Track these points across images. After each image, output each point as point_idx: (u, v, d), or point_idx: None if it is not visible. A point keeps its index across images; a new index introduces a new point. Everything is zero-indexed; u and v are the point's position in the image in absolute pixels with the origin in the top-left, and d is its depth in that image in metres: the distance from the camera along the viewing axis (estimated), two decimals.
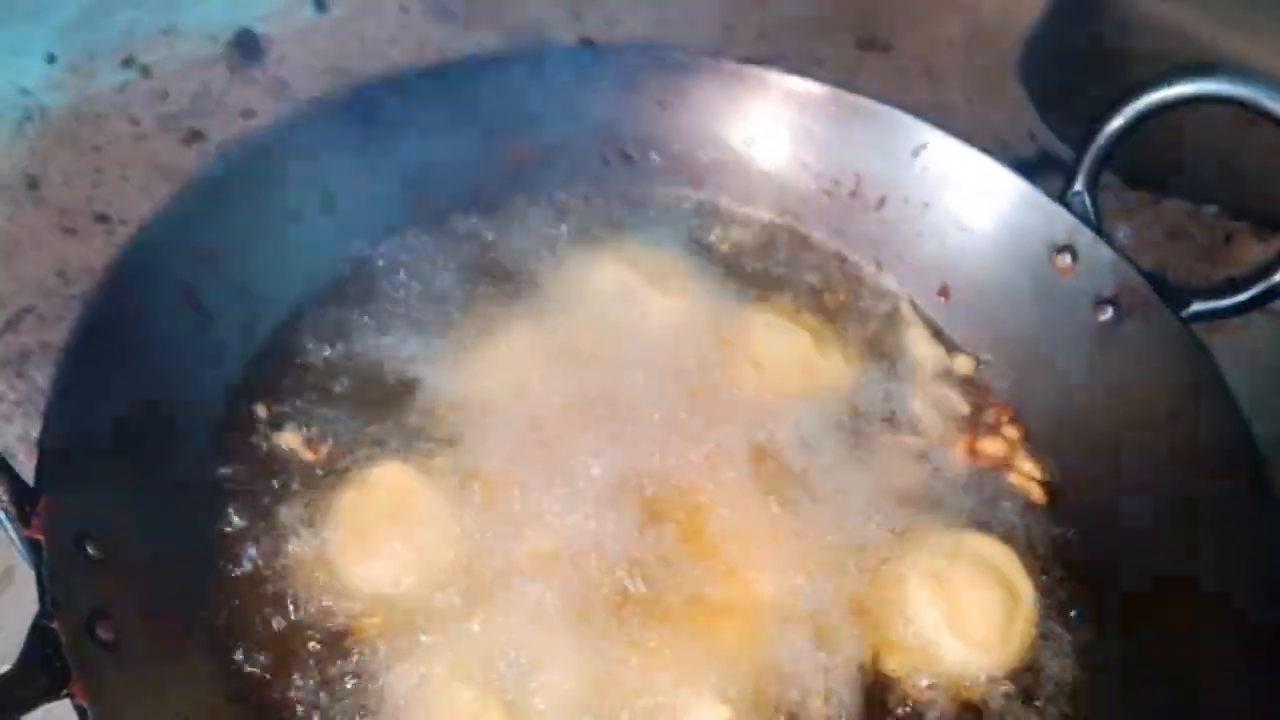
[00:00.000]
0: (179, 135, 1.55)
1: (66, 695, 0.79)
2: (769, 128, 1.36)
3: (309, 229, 1.20)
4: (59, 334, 1.27)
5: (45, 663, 0.80)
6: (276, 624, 0.97)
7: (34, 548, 0.84)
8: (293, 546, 1.01)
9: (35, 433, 1.09)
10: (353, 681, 0.95)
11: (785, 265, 1.33)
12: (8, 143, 1.49)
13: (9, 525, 0.85)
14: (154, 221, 1.07)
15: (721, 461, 1.11)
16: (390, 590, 0.99)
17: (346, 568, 0.99)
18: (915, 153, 1.30)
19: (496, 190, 1.31)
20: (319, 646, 0.96)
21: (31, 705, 0.79)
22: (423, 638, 0.97)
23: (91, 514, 0.90)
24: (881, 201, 1.33)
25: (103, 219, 1.44)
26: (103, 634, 0.85)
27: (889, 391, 1.22)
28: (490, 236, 1.29)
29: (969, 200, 1.29)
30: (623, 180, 1.36)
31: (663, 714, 0.94)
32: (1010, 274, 1.26)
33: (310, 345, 1.16)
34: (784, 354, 1.21)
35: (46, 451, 0.89)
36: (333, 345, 1.16)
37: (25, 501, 0.86)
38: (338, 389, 1.13)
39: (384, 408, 1.12)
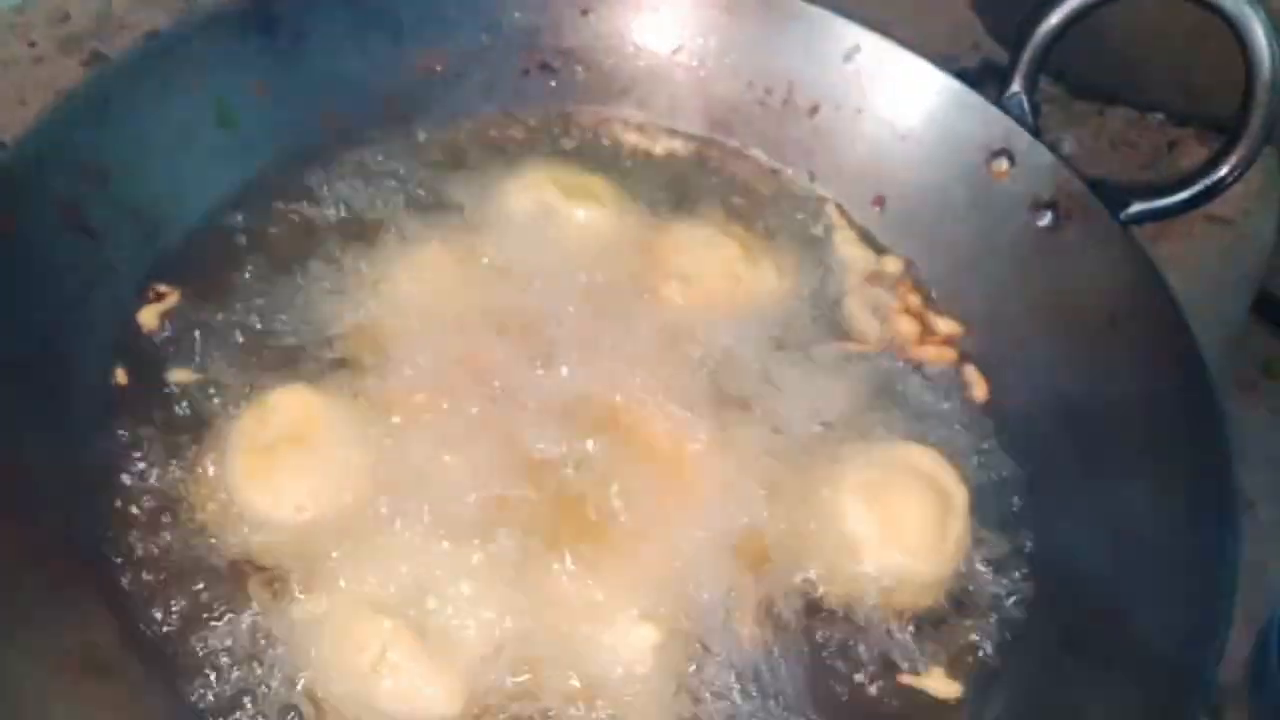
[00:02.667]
0: (79, 58, 1.47)
1: None
2: (697, 35, 1.30)
3: (205, 147, 1.13)
4: None
5: None
6: (170, 555, 0.92)
7: None
8: (190, 475, 0.96)
9: None
10: (256, 616, 0.90)
11: (714, 177, 1.28)
12: None
13: None
14: (30, 133, 1.00)
15: (649, 377, 1.07)
16: (294, 518, 0.94)
17: (247, 494, 0.94)
18: (848, 56, 1.25)
19: (408, 104, 1.24)
20: (221, 579, 0.91)
21: None
22: (330, 567, 0.92)
23: None
24: (814, 109, 1.27)
25: None
26: None
27: (822, 300, 1.18)
28: (401, 153, 1.22)
29: (903, 105, 1.24)
30: (543, 92, 1.29)
31: (587, 636, 0.90)
32: (946, 180, 1.21)
33: (210, 270, 1.09)
34: (712, 266, 1.16)
35: None
36: (234, 269, 1.10)
37: None
38: (238, 315, 1.07)
39: (288, 333, 1.06)
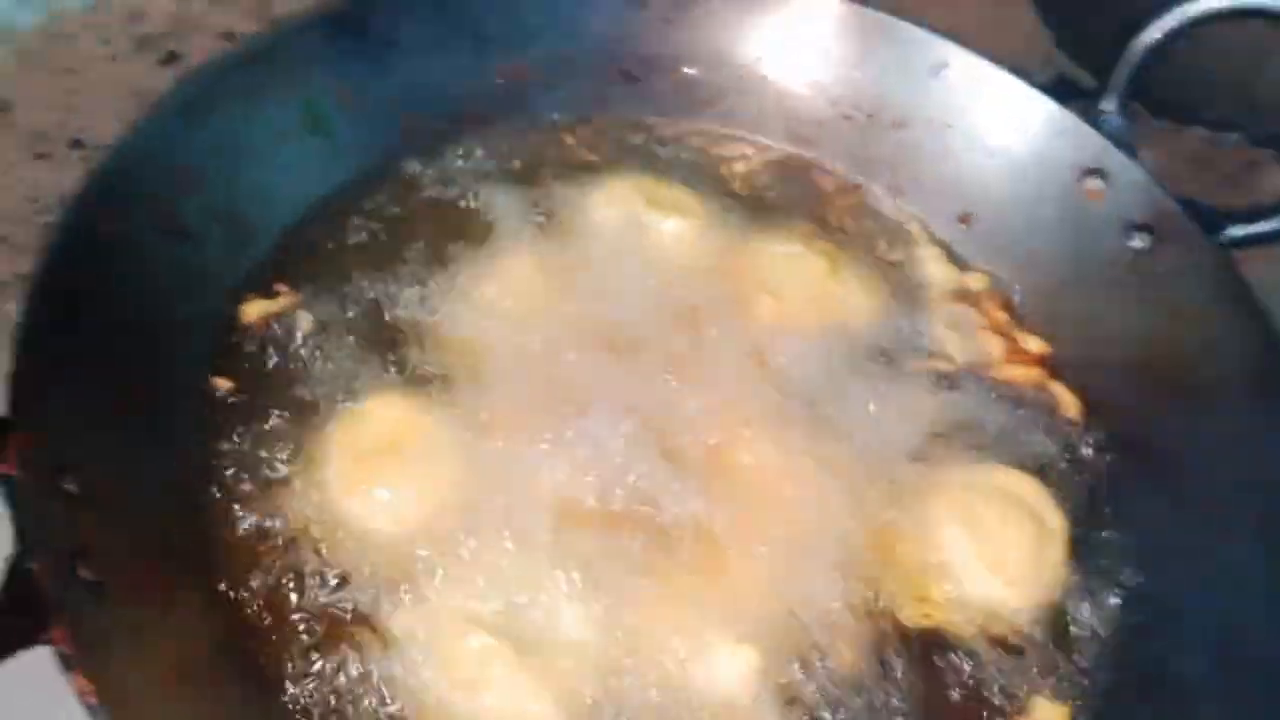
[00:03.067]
0: (155, 57, 1.47)
1: (45, 641, 0.73)
2: (782, 46, 1.29)
3: (295, 152, 1.13)
4: (32, 264, 1.20)
5: (22, 606, 0.74)
6: (271, 565, 0.91)
7: (6, 484, 0.78)
8: (286, 484, 0.95)
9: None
10: (354, 628, 0.89)
11: (798, 192, 1.26)
12: None
13: None
14: (127, 137, 1.00)
15: (738, 395, 1.06)
16: (390, 529, 0.93)
17: (343, 504, 0.94)
18: (936, 72, 1.24)
19: (491, 111, 1.24)
20: (318, 590, 0.91)
21: (9, 650, 0.73)
22: (427, 580, 0.92)
23: (69, 447, 0.84)
24: (900, 124, 1.26)
25: (77, 144, 1.36)
26: (85, 574, 0.79)
27: (910, 318, 1.16)
28: (483, 161, 1.22)
29: (993, 122, 1.22)
30: (625, 101, 1.28)
31: (684, 657, 0.89)
32: (1036, 199, 1.20)
33: (300, 275, 1.09)
34: (800, 282, 1.15)
35: (17, 378, 0.82)
36: (324, 277, 1.09)
37: None
38: (330, 323, 1.06)
39: (379, 341, 1.06)
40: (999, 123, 1.22)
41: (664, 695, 0.88)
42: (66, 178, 1.31)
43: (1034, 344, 1.16)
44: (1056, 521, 1.01)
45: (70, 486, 0.82)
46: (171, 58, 1.47)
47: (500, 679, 0.86)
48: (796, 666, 0.91)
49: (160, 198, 1.01)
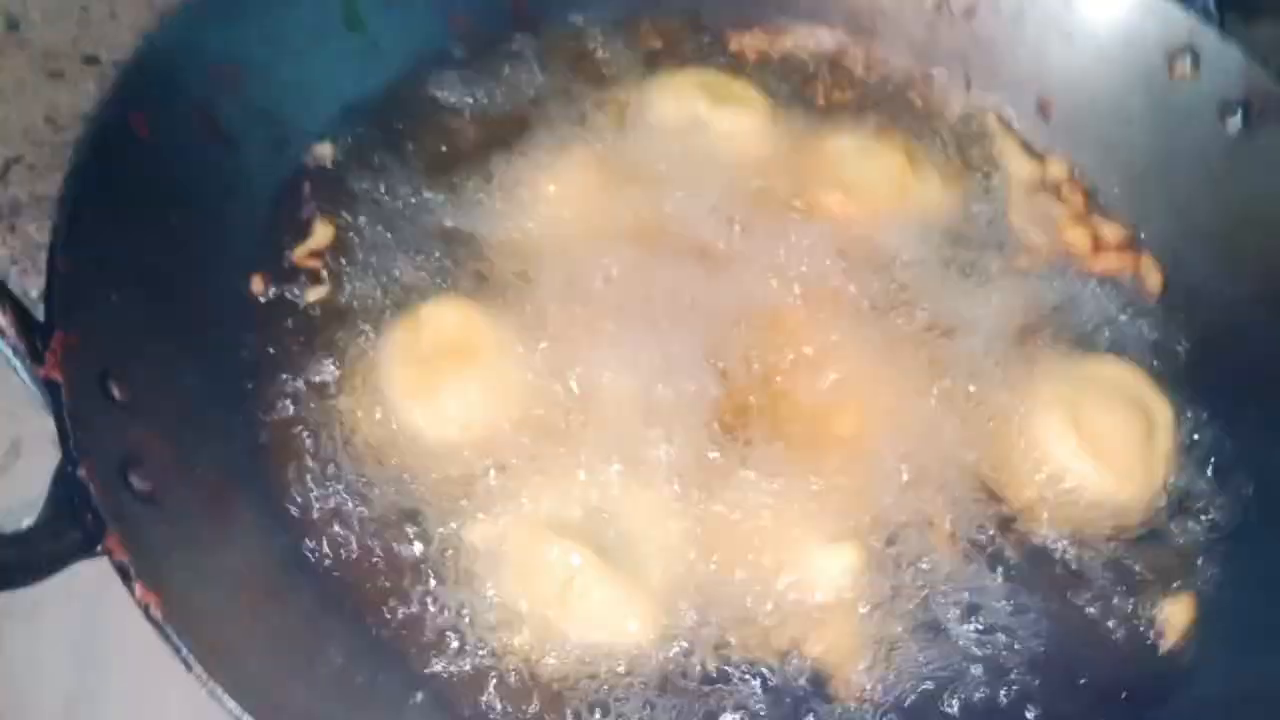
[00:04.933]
0: None
1: (101, 552, 0.67)
2: None
3: (334, 51, 1.06)
4: (52, 185, 1.13)
5: (73, 516, 0.68)
6: (330, 475, 0.85)
7: (51, 388, 0.72)
8: (343, 388, 0.89)
9: (35, 290, 0.99)
10: (421, 544, 0.83)
11: (866, 87, 1.19)
12: None
13: (19, 364, 0.73)
14: (159, 31, 0.93)
15: (816, 291, 0.99)
16: (457, 435, 0.87)
17: (406, 409, 0.87)
18: None
19: (539, 8, 1.16)
20: (383, 501, 0.85)
21: (61, 563, 0.67)
22: (499, 487, 0.86)
23: (113, 352, 0.78)
24: (970, 11, 1.18)
25: (92, 60, 1.29)
26: (138, 483, 0.73)
27: (991, 212, 1.09)
28: (533, 61, 1.14)
29: (1070, 4, 1.14)
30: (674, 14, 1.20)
31: (783, 559, 0.84)
32: (1121, 84, 1.12)
33: (348, 177, 1.02)
34: (875, 176, 1.07)
35: (58, 280, 0.76)
36: (373, 178, 1.02)
37: (37, 337, 0.73)
38: (381, 224, 1.00)
39: (431, 245, 0.99)
40: (1076, 5, 1.14)
41: (761, 598, 0.83)
42: (83, 96, 1.26)
43: (1117, 231, 1.10)
44: (1163, 411, 0.95)
45: (117, 393, 0.76)
46: None
47: (590, 587, 0.81)
48: (900, 566, 0.86)
49: (195, 97, 0.94)
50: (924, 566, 0.86)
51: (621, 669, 0.80)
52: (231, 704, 0.63)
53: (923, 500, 0.89)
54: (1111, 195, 1.12)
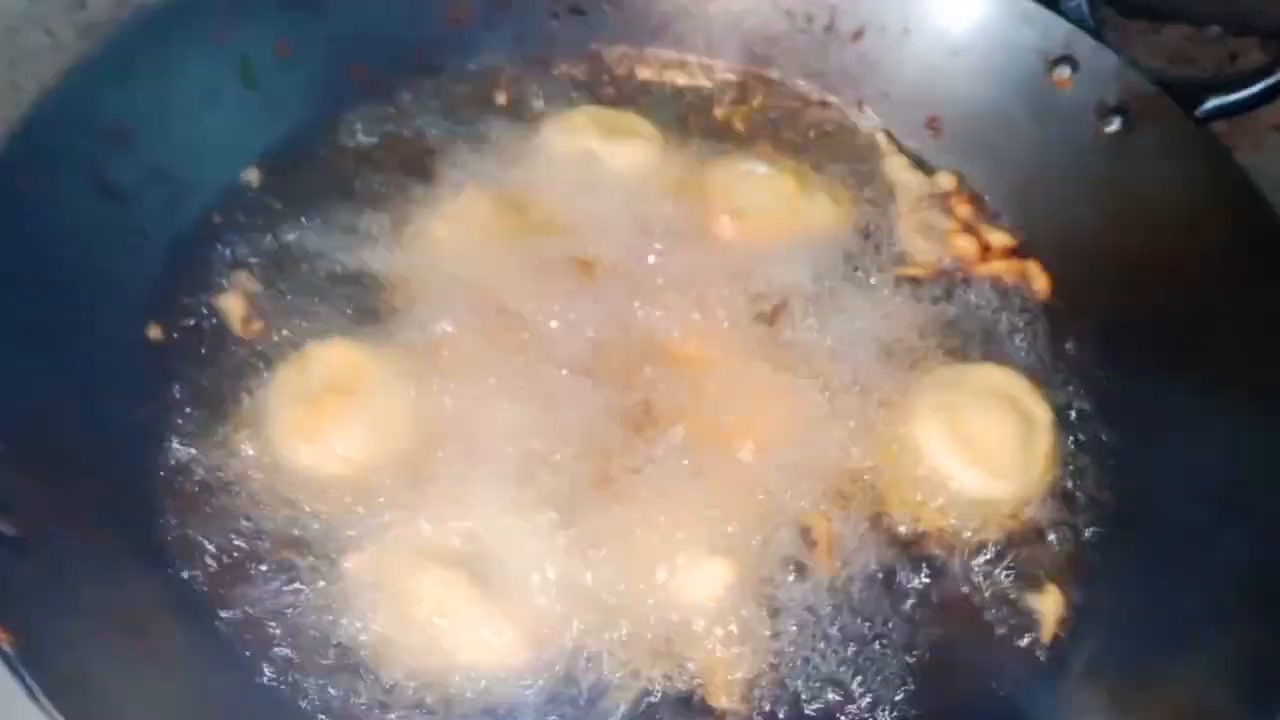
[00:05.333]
0: None
1: None
2: None
3: (231, 106, 1.09)
4: None
5: None
6: (217, 516, 0.87)
7: None
8: (230, 432, 0.92)
9: None
10: (309, 575, 0.85)
11: (759, 113, 1.21)
12: None
13: None
14: (50, 92, 0.96)
15: (706, 316, 1.01)
16: (338, 471, 0.89)
17: (289, 448, 0.90)
18: None
19: (435, 53, 1.19)
20: (267, 541, 0.87)
21: None
22: (379, 520, 0.87)
23: None
24: (859, 33, 1.21)
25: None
26: (7, 529, 0.75)
27: (879, 228, 1.11)
28: (432, 104, 1.17)
29: (953, 20, 1.17)
30: (574, 36, 1.24)
31: (658, 577, 0.85)
32: (1005, 93, 1.15)
33: (242, 227, 1.05)
34: (766, 200, 1.10)
35: None
36: (268, 228, 1.05)
37: None
38: (274, 272, 1.03)
39: (327, 287, 1.02)
40: (959, 21, 1.16)
41: (639, 615, 0.84)
42: None
43: (1003, 238, 1.12)
44: (1041, 411, 0.96)
45: None
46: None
47: (461, 611, 0.82)
48: (778, 578, 0.87)
49: (87, 157, 0.97)
50: (801, 576, 0.87)
51: (501, 690, 0.82)
52: None
53: (802, 509, 0.90)
54: (999, 203, 1.15)
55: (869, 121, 1.20)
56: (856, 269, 1.07)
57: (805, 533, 0.89)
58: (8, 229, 0.89)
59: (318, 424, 0.90)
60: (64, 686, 0.67)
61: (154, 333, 0.97)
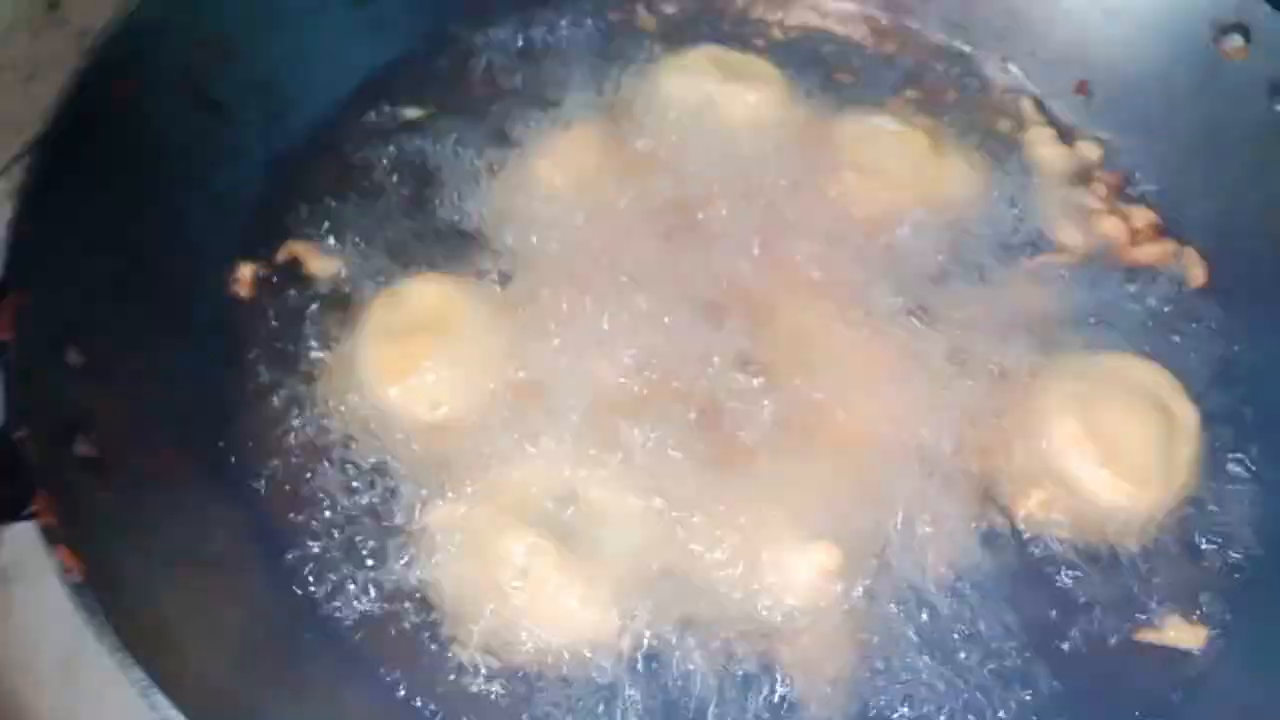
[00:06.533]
0: None
1: (28, 516, 0.66)
2: None
3: (336, 23, 1.04)
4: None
5: (7, 477, 0.67)
6: (298, 452, 0.84)
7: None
8: (316, 364, 0.88)
9: None
10: (388, 522, 0.81)
11: (895, 64, 1.13)
12: None
13: None
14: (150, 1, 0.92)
15: (826, 279, 0.94)
16: (426, 415, 0.85)
17: (377, 387, 0.85)
18: None
19: None
20: (348, 478, 0.83)
21: None
22: (467, 470, 0.83)
23: (77, 317, 0.77)
24: None
25: None
26: (84, 449, 0.72)
27: (1018, 202, 1.02)
28: (547, 34, 1.11)
29: None
30: None
31: (762, 556, 0.79)
32: (1165, 63, 1.05)
33: (346, 150, 1.01)
34: (896, 159, 1.02)
35: (16, 240, 0.75)
36: (372, 151, 1.01)
37: None
38: (375, 199, 0.98)
39: (423, 220, 0.97)
40: None
41: (731, 596, 0.79)
42: None
43: (1152, 218, 1.03)
44: (1186, 413, 0.88)
45: (75, 357, 0.76)
46: None
47: (547, 576, 0.77)
48: (882, 570, 0.80)
49: (186, 65, 0.93)
50: (912, 574, 0.81)
51: (581, 661, 0.77)
52: (138, 674, 0.61)
53: (920, 501, 0.83)
54: (1151, 181, 1.05)
55: (1012, 81, 1.11)
56: (991, 243, 0.99)
57: (923, 526, 0.82)
58: (101, 134, 0.85)
59: (409, 362, 0.86)
60: (132, 621, 0.64)
61: (245, 258, 0.93)
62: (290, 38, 1.00)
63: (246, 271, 0.93)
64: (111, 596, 0.64)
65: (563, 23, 1.12)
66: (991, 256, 0.99)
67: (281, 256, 0.94)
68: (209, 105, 0.95)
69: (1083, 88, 1.09)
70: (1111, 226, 1.02)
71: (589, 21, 1.13)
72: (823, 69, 1.11)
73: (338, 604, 0.79)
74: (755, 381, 0.88)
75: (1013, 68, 1.12)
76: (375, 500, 0.82)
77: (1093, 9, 1.08)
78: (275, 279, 0.93)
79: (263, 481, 0.82)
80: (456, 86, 1.07)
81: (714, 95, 1.05)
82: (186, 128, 0.93)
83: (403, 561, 0.80)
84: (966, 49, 1.14)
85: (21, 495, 0.66)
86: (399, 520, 0.81)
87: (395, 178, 0.99)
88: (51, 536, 0.65)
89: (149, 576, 0.70)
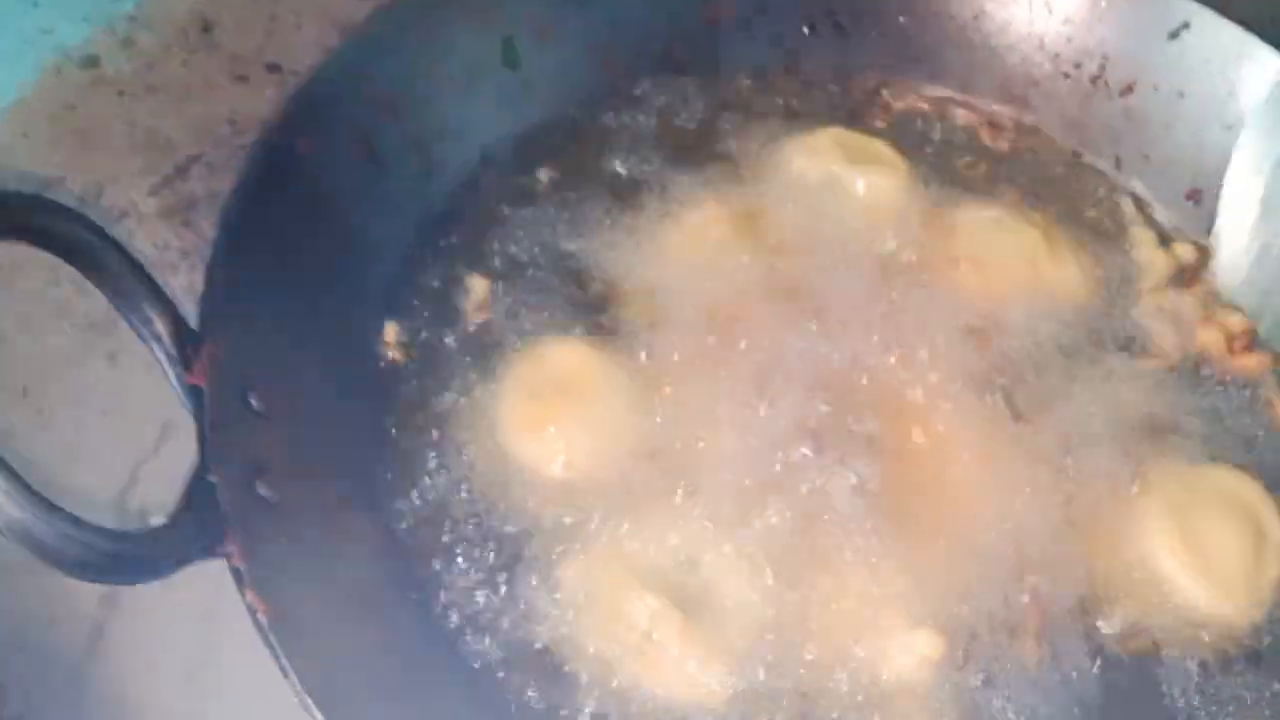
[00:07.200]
0: None
1: (222, 555, 0.73)
2: (1002, 2, 1.20)
3: (491, 86, 1.10)
4: (227, 184, 1.20)
5: (201, 518, 0.74)
6: (440, 498, 0.90)
7: (195, 395, 0.78)
8: (458, 418, 0.94)
9: (201, 285, 1.05)
10: (516, 575, 0.87)
11: (1010, 156, 1.18)
12: None
13: (170, 370, 0.80)
14: (332, 60, 0.99)
15: (933, 368, 0.99)
16: (560, 474, 0.91)
17: (515, 442, 0.92)
18: (1175, 34, 1.13)
19: (690, 55, 1.19)
20: (482, 529, 0.89)
21: (183, 563, 0.73)
22: (596, 532, 0.89)
23: (256, 364, 0.84)
24: (1129, 88, 1.16)
25: (274, 69, 1.37)
26: (263, 491, 0.79)
27: (1120, 303, 1.07)
28: (680, 104, 1.17)
29: (1233, 92, 1.11)
30: (831, 52, 1.22)
31: (865, 639, 0.85)
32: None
33: (490, 208, 1.07)
34: (1010, 253, 1.06)
35: (213, 292, 0.82)
36: (513, 211, 1.07)
37: (188, 346, 0.80)
38: (514, 259, 1.04)
39: (561, 282, 1.03)
40: (1240, 93, 1.10)
41: (836, 676, 0.84)
42: (263, 101, 1.33)
43: (1245, 324, 1.07)
44: (1276, 529, 0.92)
45: (256, 403, 0.82)
46: None
47: (669, 641, 0.83)
48: (981, 663, 0.86)
49: (357, 123, 1.00)
50: (1006, 668, 0.86)
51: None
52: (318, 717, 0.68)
53: (1015, 598, 0.88)
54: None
55: (1124, 183, 1.16)
56: (1093, 343, 1.04)
57: (1017, 623, 0.87)
58: (283, 188, 0.92)
59: (545, 420, 0.92)
60: (308, 660, 0.71)
61: (391, 315, 0.99)
62: (448, 97, 1.07)
63: (391, 332, 0.99)
64: (291, 637, 0.71)
65: (699, 97, 1.17)
66: (1095, 356, 1.03)
67: (426, 311, 1.00)
68: (374, 160, 1.01)
69: (1194, 194, 1.13)
70: (1211, 336, 1.06)
71: (715, 95, 1.18)
72: (940, 157, 1.16)
73: (471, 642, 0.85)
74: (868, 471, 0.93)
75: (1124, 169, 1.16)
76: (507, 553, 0.88)
77: (1209, 119, 1.12)
78: (423, 333, 0.99)
79: (411, 529, 0.89)
80: (587, 151, 1.13)
81: (837, 175, 1.10)
82: (354, 182, 0.99)
83: (532, 614, 0.86)
84: (1079, 147, 1.18)
85: (215, 535, 0.73)
86: (528, 573, 0.87)
87: (525, 243, 1.05)
88: (240, 579, 0.72)
89: (313, 614, 0.77)
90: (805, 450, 0.93)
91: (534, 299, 1.01)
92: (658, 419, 0.94)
